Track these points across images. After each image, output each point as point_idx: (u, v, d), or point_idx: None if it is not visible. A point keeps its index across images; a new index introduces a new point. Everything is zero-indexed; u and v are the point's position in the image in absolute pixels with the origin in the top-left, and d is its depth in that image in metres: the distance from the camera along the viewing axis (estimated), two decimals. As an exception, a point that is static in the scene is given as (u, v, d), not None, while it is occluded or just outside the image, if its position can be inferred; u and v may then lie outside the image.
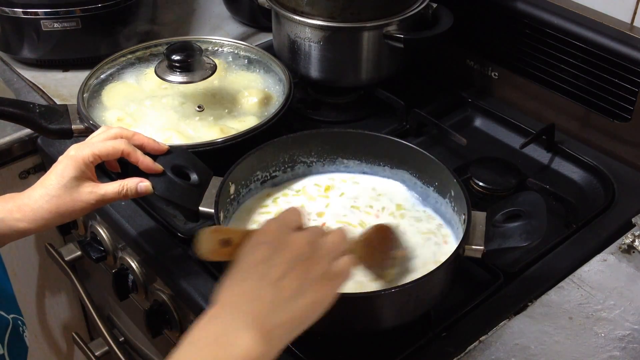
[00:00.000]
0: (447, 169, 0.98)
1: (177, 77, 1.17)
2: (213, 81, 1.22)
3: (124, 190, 0.93)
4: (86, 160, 0.91)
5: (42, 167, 1.37)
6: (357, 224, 0.99)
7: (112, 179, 1.02)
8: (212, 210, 0.92)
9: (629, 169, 1.20)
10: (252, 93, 1.23)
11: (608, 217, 1.10)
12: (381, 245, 0.88)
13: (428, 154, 1.01)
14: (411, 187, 1.05)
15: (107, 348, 1.40)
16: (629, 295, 0.95)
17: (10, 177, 1.35)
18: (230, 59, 1.31)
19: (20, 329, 0.90)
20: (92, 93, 1.21)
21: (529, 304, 0.95)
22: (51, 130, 1.11)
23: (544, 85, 1.28)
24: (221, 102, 1.21)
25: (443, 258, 0.90)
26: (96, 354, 1.44)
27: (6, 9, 1.36)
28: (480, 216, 0.91)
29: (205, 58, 1.21)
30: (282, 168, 1.07)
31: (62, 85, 1.42)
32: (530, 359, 0.87)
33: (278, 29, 1.32)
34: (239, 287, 0.67)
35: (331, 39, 1.24)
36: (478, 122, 1.34)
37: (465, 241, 0.88)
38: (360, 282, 0.88)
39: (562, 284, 0.97)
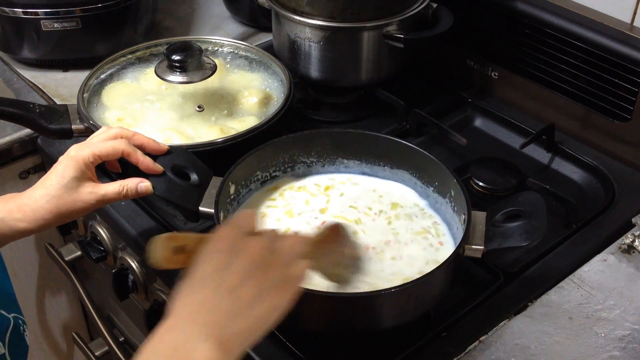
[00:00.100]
0: (447, 169, 0.98)
1: (177, 77, 1.17)
2: (213, 81, 1.22)
3: (124, 191, 0.93)
4: (86, 160, 0.91)
5: (42, 167, 1.37)
6: (354, 221, 1.00)
7: (112, 179, 1.02)
8: (212, 210, 0.92)
9: (629, 169, 1.20)
10: (252, 93, 1.23)
11: (608, 217, 1.10)
12: (334, 245, 0.87)
13: (428, 154, 1.01)
14: (411, 187, 1.05)
15: (107, 348, 1.40)
16: (629, 295, 0.95)
17: (10, 177, 1.35)
18: (230, 59, 1.31)
19: (21, 328, 0.90)
20: (92, 93, 1.21)
21: (529, 304, 0.95)
22: (51, 130, 1.11)
23: (544, 85, 1.28)
24: (221, 102, 1.21)
25: (440, 259, 0.91)
26: (96, 354, 1.44)
27: (6, 9, 1.36)
28: (480, 216, 0.91)
29: (205, 58, 1.21)
30: (282, 168, 1.07)
31: (62, 85, 1.42)
32: (530, 359, 0.87)
33: (278, 29, 1.32)
34: (195, 296, 0.66)
35: (331, 39, 1.24)
36: (478, 122, 1.34)
37: (465, 241, 0.88)
38: (316, 284, 0.87)
39: (562, 284, 0.97)
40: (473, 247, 0.88)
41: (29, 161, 1.35)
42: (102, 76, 1.25)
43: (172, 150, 0.98)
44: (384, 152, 1.06)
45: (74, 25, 1.38)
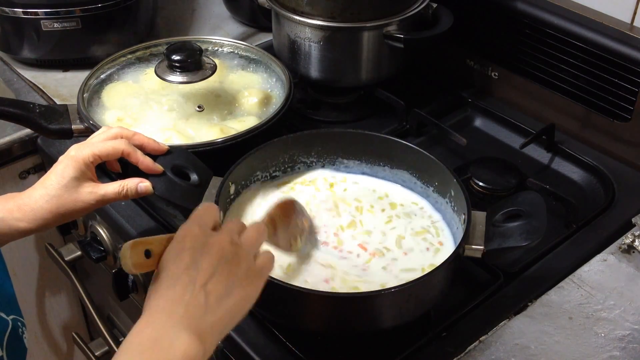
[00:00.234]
0: (447, 169, 0.98)
1: (177, 77, 1.17)
2: (213, 81, 1.22)
3: (124, 191, 0.93)
4: (86, 160, 0.91)
5: (42, 167, 1.37)
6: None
7: (112, 179, 1.02)
8: (212, 210, 0.92)
9: (629, 169, 1.20)
10: (252, 93, 1.23)
11: (608, 217, 1.10)
12: (285, 218, 0.90)
13: (428, 154, 1.01)
14: (411, 187, 1.05)
15: (107, 348, 1.40)
16: (629, 295, 0.95)
17: (10, 177, 1.35)
18: (230, 59, 1.31)
19: (20, 330, 0.90)
20: (92, 93, 1.21)
21: (529, 304, 0.95)
22: (51, 130, 1.11)
23: (544, 85, 1.28)
24: (221, 102, 1.21)
25: (440, 259, 0.91)
26: (96, 354, 1.44)
27: (6, 9, 1.36)
28: (480, 216, 0.91)
29: (205, 58, 1.21)
30: (282, 168, 1.07)
31: (62, 85, 1.42)
32: (530, 359, 0.87)
33: (278, 29, 1.32)
34: (169, 293, 0.68)
35: (331, 39, 1.24)
36: (478, 122, 1.34)
37: (465, 241, 0.88)
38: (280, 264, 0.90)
39: (562, 284, 0.97)
40: (473, 247, 0.88)
41: (29, 161, 1.35)
42: (102, 76, 1.25)
43: (172, 150, 0.98)
44: (384, 152, 1.06)
45: (74, 25, 1.38)
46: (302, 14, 1.24)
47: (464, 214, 0.92)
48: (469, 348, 0.90)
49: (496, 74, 1.35)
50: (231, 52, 1.32)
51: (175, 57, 1.16)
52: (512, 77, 1.33)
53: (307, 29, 1.25)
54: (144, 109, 1.19)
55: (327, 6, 1.21)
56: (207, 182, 0.97)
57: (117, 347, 1.26)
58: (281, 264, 0.91)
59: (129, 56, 1.29)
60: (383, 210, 1.02)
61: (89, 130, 1.10)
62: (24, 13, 1.36)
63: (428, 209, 1.02)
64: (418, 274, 0.90)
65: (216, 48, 1.32)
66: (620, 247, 1.02)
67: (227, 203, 0.98)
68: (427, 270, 0.91)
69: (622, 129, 1.20)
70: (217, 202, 0.92)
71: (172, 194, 0.93)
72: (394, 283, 0.88)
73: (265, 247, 0.83)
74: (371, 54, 1.26)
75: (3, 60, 1.49)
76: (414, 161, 1.04)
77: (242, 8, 1.60)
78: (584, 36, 1.19)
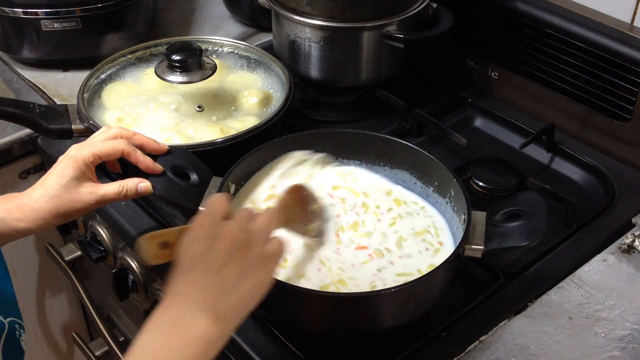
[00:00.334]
0: (447, 169, 0.98)
1: (177, 77, 1.17)
2: (213, 81, 1.22)
3: (124, 191, 0.93)
4: (86, 160, 0.91)
5: (42, 167, 1.37)
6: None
7: (112, 179, 1.02)
8: (212, 210, 0.92)
9: (629, 169, 1.20)
10: (252, 93, 1.23)
11: (608, 217, 1.10)
12: (298, 203, 0.91)
13: (428, 154, 1.01)
14: (411, 188, 1.05)
15: (107, 348, 1.40)
16: (629, 295, 0.95)
17: (10, 177, 1.35)
18: (230, 59, 1.31)
19: (17, 332, 0.90)
20: (92, 93, 1.21)
21: (529, 304, 0.95)
22: (51, 130, 1.11)
23: (544, 85, 1.28)
24: (221, 102, 1.21)
25: (440, 259, 0.91)
26: (96, 354, 1.44)
27: (6, 9, 1.36)
28: (480, 216, 0.91)
29: (205, 58, 1.21)
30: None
31: (62, 85, 1.42)
32: (531, 359, 0.87)
33: (278, 29, 1.32)
34: (186, 279, 0.71)
35: (331, 39, 1.24)
36: (478, 122, 1.34)
37: (465, 241, 0.88)
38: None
39: (562, 284, 0.97)
40: (473, 247, 0.88)
41: (29, 161, 1.35)
42: (102, 76, 1.25)
43: (172, 150, 0.98)
44: (384, 152, 1.06)
45: (74, 25, 1.38)
46: (302, 14, 1.24)
47: (464, 214, 0.92)
48: (469, 348, 0.90)
49: (496, 74, 1.35)
50: (231, 52, 1.32)
51: (175, 57, 1.16)
52: (512, 77, 1.33)
53: (307, 29, 1.25)
54: (144, 109, 1.19)
55: (327, 6, 1.21)
56: (207, 182, 0.97)
57: (117, 347, 1.26)
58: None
59: (129, 56, 1.29)
60: (390, 209, 1.02)
61: (89, 130, 1.10)
62: (24, 13, 1.36)
63: (429, 209, 1.02)
64: (418, 274, 0.90)
65: (216, 48, 1.32)
66: (620, 247, 1.02)
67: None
68: (425, 271, 0.90)
69: (622, 129, 1.20)
70: (217, 202, 0.92)
71: (172, 194, 0.93)
72: (394, 283, 0.88)
73: (281, 233, 0.84)
74: (371, 54, 1.26)
75: (3, 60, 1.49)
76: (414, 161, 1.04)
77: (242, 8, 1.60)
78: (584, 36, 1.19)
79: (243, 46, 1.32)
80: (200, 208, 0.93)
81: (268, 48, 1.34)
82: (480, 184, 1.13)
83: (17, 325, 0.90)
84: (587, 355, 0.87)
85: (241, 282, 0.72)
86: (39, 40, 1.40)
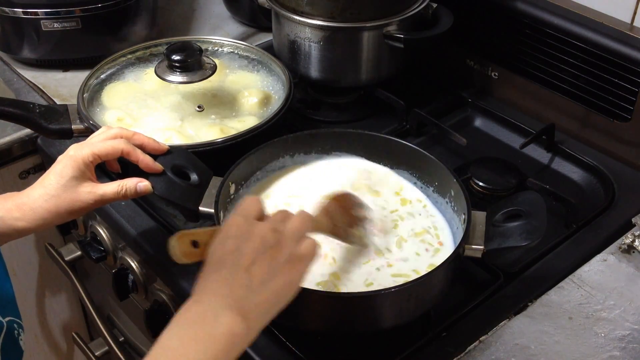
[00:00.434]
0: (447, 169, 0.98)
1: (177, 77, 1.17)
2: (213, 81, 1.22)
3: (123, 191, 0.93)
4: (86, 160, 0.91)
5: (42, 167, 1.37)
6: None
7: (112, 180, 1.01)
8: (212, 210, 0.92)
9: (629, 169, 1.20)
10: (252, 93, 1.23)
11: (608, 217, 1.10)
12: (343, 211, 0.90)
13: (428, 154, 1.01)
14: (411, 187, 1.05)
15: (107, 348, 1.40)
16: (629, 295, 0.94)
17: (10, 177, 1.35)
18: (230, 59, 1.31)
19: (16, 332, 0.89)
20: (92, 93, 1.21)
21: (529, 304, 0.95)
22: (51, 130, 1.11)
23: (544, 85, 1.28)
24: (221, 102, 1.21)
25: (440, 259, 0.91)
26: (96, 354, 1.44)
27: (6, 9, 1.36)
28: (480, 216, 0.91)
29: (205, 58, 1.21)
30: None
31: (62, 85, 1.42)
32: (531, 359, 0.87)
33: (278, 29, 1.32)
34: (215, 276, 0.72)
35: (331, 39, 1.24)
36: (478, 122, 1.34)
37: (465, 241, 0.88)
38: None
39: (562, 284, 0.97)
40: (473, 247, 0.88)
41: (29, 161, 1.35)
42: (102, 76, 1.25)
43: (172, 150, 0.98)
44: (384, 152, 1.06)
45: (74, 25, 1.38)
46: (302, 14, 1.24)
47: (464, 214, 0.92)
48: (469, 348, 0.90)
49: (496, 74, 1.35)
50: (231, 52, 1.32)
51: (175, 57, 1.16)
52: (512, 77, 1.33)
53: (307, 29, 1.25)
54: (144, 109, 1.19)
55: (327, 6, 1.21)
56: (207, 182, 0.97)
57: (117, 347, 1.26)
58: None
59: (129, 56, 1.29)
60: (395, 210, 1.02)
61: (89, 130, 1.10)
62: (24, 13, 1.36)
63: (430, 208, 1.02)
64: (417, 274, 0.90)
65: (216, 48, 1.32)
66: (620, 247, 1.02)
67: (227, 203, 0.98)
68: (424, 272, 0.90)
69: (622, 129, 1.20)
70: (217, 202, 0.92)
71: (172, 193, 0.93)
72: (394, 283, 0.88)
73: (322, 238, 0.85)
74: (371, 54, 1.26)
75: (3, 60, 1.49)
76: (414, 161, 1.04)
77: (242, 8, 1.60)
78: (584, 36, 1.19)
79: (243, 46, 1.32)
80: (200, 208, 0.93)
81: (268, 48, 1.34)
82: (480, 184, 1.13)
83: (15, 325, 0.90)
84: (587, 355, 0.87)
85: (269, 281, 0.72)
86: (39, 40, 1.40)
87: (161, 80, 1.18)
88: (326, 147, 1.07)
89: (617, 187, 1.15)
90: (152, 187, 0.93)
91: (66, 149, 0.94)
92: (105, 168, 1.00)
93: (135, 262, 1.15)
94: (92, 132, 0.99)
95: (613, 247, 1.02)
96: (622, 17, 1.19)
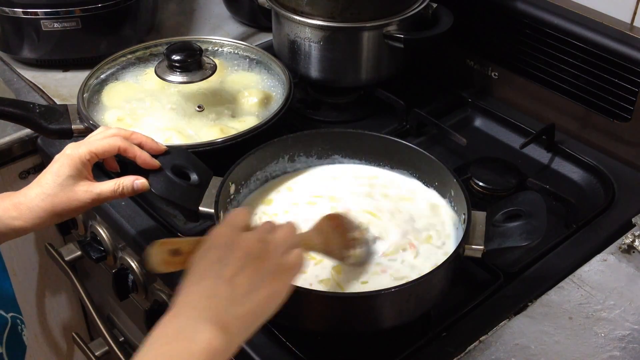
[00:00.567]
0: (447, 169, 0.98)
1: (177, 77, 1.17)
2: (213, 81, 1.22)
3: (120, 189, 0.93)
4: (82, 158, 0.91)
5: (42, 167, 1.36)
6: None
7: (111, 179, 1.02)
8: (212, 210, 0.92)
9: (629, 169, 1.20)
10: (252, 93, 1.23)
11: (608, 217, 1.10)
12: (336, 230, 0.89)
13: (428, 154, 1.01)
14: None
15: (107, 348, 1.40)
16: (629, 295, 0.94)
17: (10, 177, 1.35)
18: (230, 59, 1.31)
19: (19, 327, 0.90)
20: (92, 93, 1.21)
21: (529, 304, 0.95)
22: (51, 130, 1.11)
23: (544, 85, 1.28)
24: (221, 102, 1.21)
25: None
26: (96, 354, 1.44)
27: (6, 9, 1.36)
28: (480, 216, 0.91)
29: (205, 58, 1.21)
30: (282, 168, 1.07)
31: (62, 85, 1.42)
32: (531, 359, 0.87)
33: (278, 29, 1.32)
34: (196, 287, 0.69)
35: (331, 39, 1.24)
36: (478, 122, 1.34)
37: (465, 241, 0.88)
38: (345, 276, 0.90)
39: (562, 284, 0.97)
40: (473, 247, 0.88)
41: (29, 161, 1.35)
42: (102, 76, 1.25)
43: (171, 150, 0.98)
44: (384, 152, 1.06)
45: (74, 25, 1.38)
46: (302, 14, 1.24)
47: (464, 214, 0.92)
48: (469, 348, 0.90)
49: (496, 74, 1.35)
50: (231, 52, 1.32)
51: (175, 57, 1.16)
52: (512, 77, 1.33)
53: (307, 29, 1.25)
54: (144, 109, 1.19)
55: (327, 6, 1.21)
56: (207, 182, 0.97)
57: (117, 347, 1.26)
58: None
59: (129, 56, 1.29)
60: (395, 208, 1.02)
61: (89, 130, 1.09)
62: (24, 13, 1.36)
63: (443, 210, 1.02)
64: (417, 275, 0.90)
65: (216, 48, 1.32)
66: (620, 247, 1.02)
67: (227, 203, 0.98)
68: (426, 270, 0.90)
69: (622, 129, 1.20)
70: (217, 202, 0.92)
71: (172, 193, 0.93)
72: (393, 283, 0.88)
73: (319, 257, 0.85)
74: (371, 54, 1.26)
75: (3, 60, 1.49)
76: (414, 161, 1.04)
77: (242, 8, 1.60)
78: (584, 36, 1.19)
79: (243, 46, 1.32)
80: (200, 208, 0.93)
81: (268, 48, 1.34)
82: (480, 184, 1.13)
83: (18, 321, 0.90)
84: (587, 355, 0.87)
85: (253, 292, 0.70)
86: (39, 40, 1.40)
87: (161, 80, 1.18)
88: (326, 147, 1.07)
89: (617, 187, 1.15)
90: (152, 187, 0.93)
91: (66, 149, 0.94)
92: (104, 168, 1.00)
93: (135, 262, 1.15)
94: (92, 132, 0.99)
95: (613, 247, 1.02)
96: (622, 17, 1.19)
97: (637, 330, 0.90)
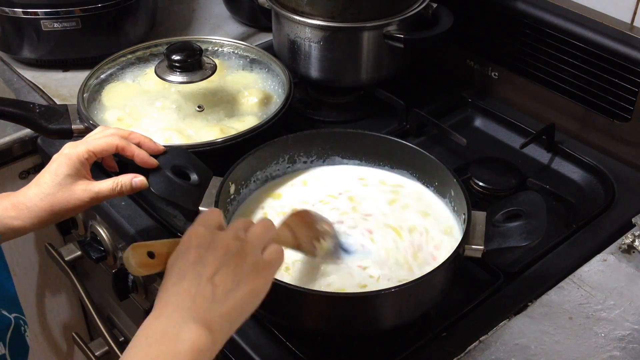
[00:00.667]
0: (447, 169, 0.98)
1: (177, 77, 1.17)
2: (213, 81, 1.22)
3: (118, 187, 0.93)
4: (80, 157, 0.91)
5: (42, 167, 1.35)
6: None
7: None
8: (212, 210, 0.92)
9: (629, 169, 1.20)
10: (252, 93, 1.23)
11: (608, 217, 1.10)
12: (304, 225, 0.89)
13: (428, 154, 1.01)
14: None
15: (107, 348, 1.40)
16: (629, 295, 0.94)
17: (10, 177, 1.35)
18: (230, 59, 1.31)
19: (22, 328, 0.90)
20: (92, 93, 1.21)
21: (529, 304, 0.95)
22: (51, 130, 1.11)
23: (544, 85, 1.28)
24: (221, 102, 1.21)
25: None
26: (96, 354, 1.44)
27: (6, 9, 1.36)
28: (480, 216, 0.91)
29: (205, 58, 1.21)
30: (282, 168, 1.07)
31: (62, 85, 1.42)
32: (531, 359, 0.87)
33: (278, 29, 1.32)
34: (176, 288, 0.69)
35: (331, 39, 1.24)
36: (478, 122, 1.34)
37: (465, 241, 0.88)
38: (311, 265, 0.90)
39: (562, 284, 0.97)
40: (473, 247, 0.88)
41: (29, 161, 1.35)
42: (102, 76, 1.25)
43: (170, 150, 0.98)
44: (384, 152, 1.06)
45: (74, 25, 1.38)
46: (302, 14, 1.24)
47: (464, 214, 0.92)
48: (469, 348, 0.90)
49: (496, 74, 1.35)
50: (231, 52, 1.32)
51: (175, 57, 1.16)
52: (512, 77, 1.33)
53: (307, 29, 1.25)
54: (144, 109, 1.19)
55: (327, 6, 1.21)
56: (207, 182, 0.97)
57: (117, 347, 1.26)
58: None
59: (129, 56, 1.29)
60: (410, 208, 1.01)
61: (89, 130, 1.09)
62: (24, 13, 1.36)
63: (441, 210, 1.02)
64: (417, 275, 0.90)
65: (216, 48, 1.32)
66: (620, 247, 1.02)
67: (227, 203, 0.98)
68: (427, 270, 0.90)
69: (622, 129, 1.20)
70: (217, 202, 0.92)
71: (172, 193, 0.93)
72: (391, 283, 0.88)
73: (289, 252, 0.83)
74: (371, 54, 1.26)
75: (3, 60, 1.49)
76: (414, 161, 1.04)
77: (242, 8, 1.60)
78: (584, 36, 1.19)
79: (243, 46, 1.32)
80: (200, 208, 0.93)
81: (268, 48, 1.34)
82: (480, 184, 1.13)
83: (21, 321, 0.90)
84: (587, 355, 0.87)
85: (234, 290, 0.70)
86: (39, 40, 1.40)
87: (161, 80, 1.18)
88: (326, 147, 1.07)
89: (617, 187, 1.15)
90: (153, 187, 0.93)
91: (66, 149, 0.94)
92: (104, 168, 1.00)
93: (135, 262, 1.15)
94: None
95: (613, 247, 1.02)
96: (622, 17, 1.19)
97: (637, 330, 0.90)
